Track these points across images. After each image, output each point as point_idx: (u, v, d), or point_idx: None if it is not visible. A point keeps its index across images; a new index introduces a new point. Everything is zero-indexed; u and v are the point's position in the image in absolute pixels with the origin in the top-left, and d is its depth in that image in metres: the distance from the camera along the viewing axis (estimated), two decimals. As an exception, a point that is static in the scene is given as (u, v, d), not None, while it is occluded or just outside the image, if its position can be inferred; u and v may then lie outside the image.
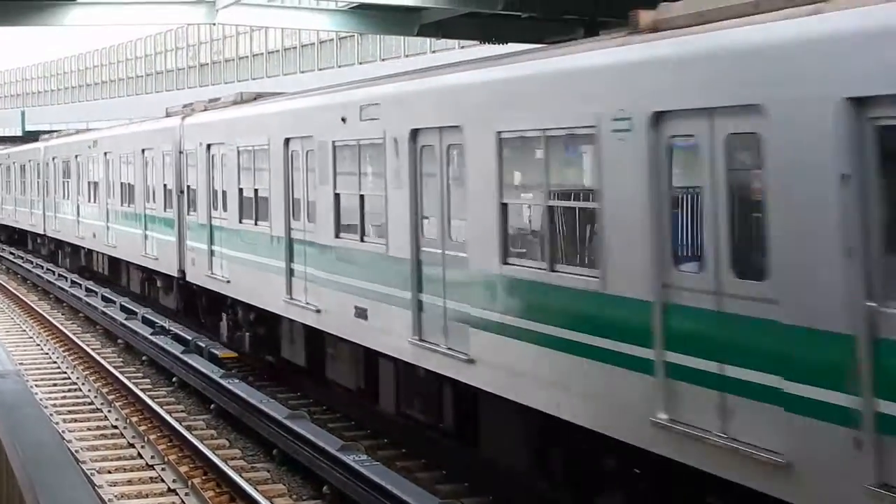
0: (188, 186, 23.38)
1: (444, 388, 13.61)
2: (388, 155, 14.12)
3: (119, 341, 25.38)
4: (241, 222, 19.91)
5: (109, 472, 15.30)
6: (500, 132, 11.81)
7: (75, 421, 18.34)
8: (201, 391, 19.30)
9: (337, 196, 15.81)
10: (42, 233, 41.75)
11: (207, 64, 59.70)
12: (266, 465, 15.40)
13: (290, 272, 17.52)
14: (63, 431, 17.17)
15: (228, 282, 20.69)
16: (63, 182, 37.18)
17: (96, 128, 41.08)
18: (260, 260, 18.87)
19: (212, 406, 18.55)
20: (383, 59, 43.11)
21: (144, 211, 27.05)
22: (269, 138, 18.20)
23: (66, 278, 34.59)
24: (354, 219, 15.49)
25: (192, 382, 19.87)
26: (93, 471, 15.16)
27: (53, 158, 38.79)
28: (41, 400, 19.03)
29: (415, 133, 13.55)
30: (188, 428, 16.94)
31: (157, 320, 25.12)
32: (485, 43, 24.14)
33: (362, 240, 15.16)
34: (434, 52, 38.33)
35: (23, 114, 79.14)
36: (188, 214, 23.38)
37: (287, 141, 17.48)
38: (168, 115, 26.68)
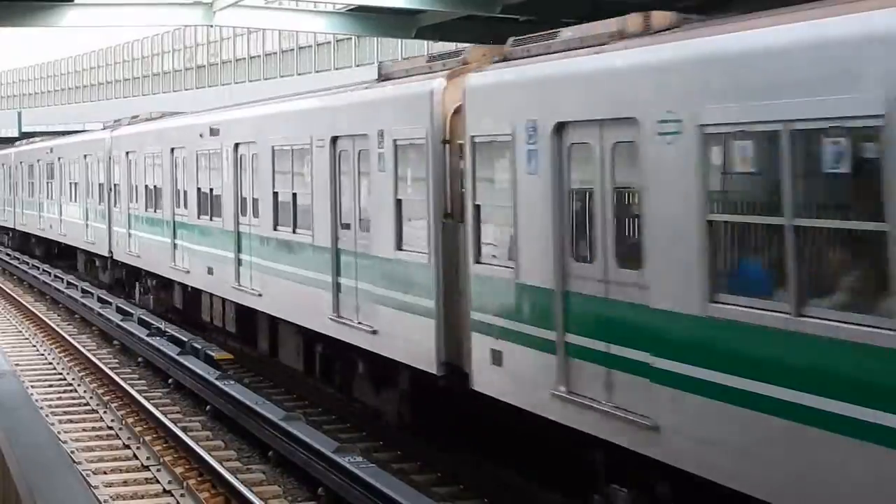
0: (477, 206, 12.81)
1: None
2: None
3: (115, 343, 25.36)
4: (716, 302, 9.17)
5: (105, 474, 15.31)
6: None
7: (71, 422, 18.34)
8: (197, 393, 19.29)
9: None
10: (106, 255, 31.45)
11: (204, 66, 59.69)
12: (261, 466, 15.40)
13: None
14: (59, 432, 17.17)
15: (656, 429, 9.71)
16: (147, 187, 27.01)
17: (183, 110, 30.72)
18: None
19: (207, 408, 18.54)
20: (381, 62, 43.15)
21: (336, 244, 16.43)
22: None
23: (62, 279, 34.47)
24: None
25: (187, 384, 19.86)
26: (88, 472, 15.19)
27: (128, 153, 28.74)
28: (37, 401, 19.02)
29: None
30: (184, 429, 16.93)
31: (153, 322, 25.10)
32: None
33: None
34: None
35: (19, 114, 79.11)
36: (476, 263, 12.79)
37: None
38: (383, 76, 16.35)
